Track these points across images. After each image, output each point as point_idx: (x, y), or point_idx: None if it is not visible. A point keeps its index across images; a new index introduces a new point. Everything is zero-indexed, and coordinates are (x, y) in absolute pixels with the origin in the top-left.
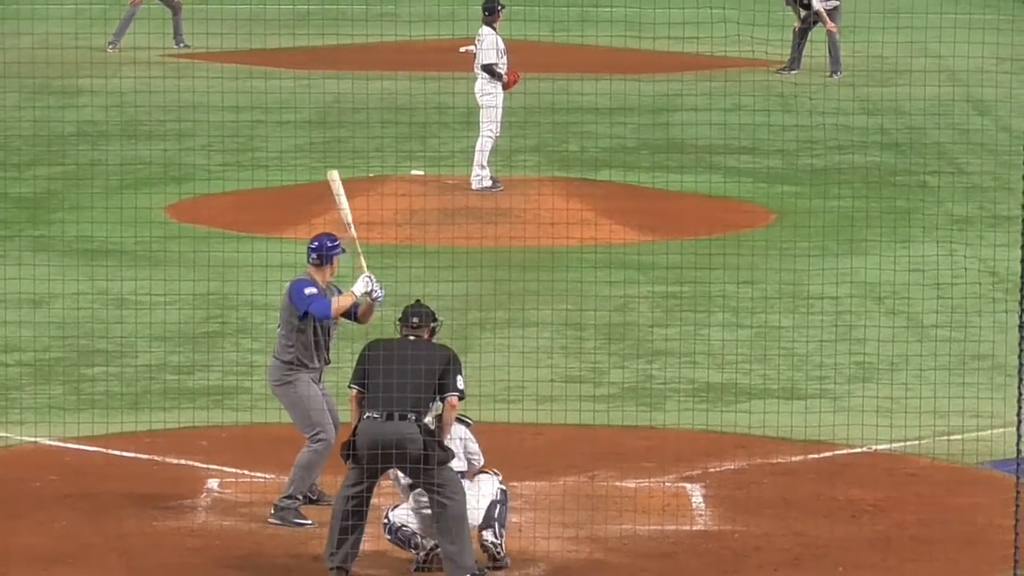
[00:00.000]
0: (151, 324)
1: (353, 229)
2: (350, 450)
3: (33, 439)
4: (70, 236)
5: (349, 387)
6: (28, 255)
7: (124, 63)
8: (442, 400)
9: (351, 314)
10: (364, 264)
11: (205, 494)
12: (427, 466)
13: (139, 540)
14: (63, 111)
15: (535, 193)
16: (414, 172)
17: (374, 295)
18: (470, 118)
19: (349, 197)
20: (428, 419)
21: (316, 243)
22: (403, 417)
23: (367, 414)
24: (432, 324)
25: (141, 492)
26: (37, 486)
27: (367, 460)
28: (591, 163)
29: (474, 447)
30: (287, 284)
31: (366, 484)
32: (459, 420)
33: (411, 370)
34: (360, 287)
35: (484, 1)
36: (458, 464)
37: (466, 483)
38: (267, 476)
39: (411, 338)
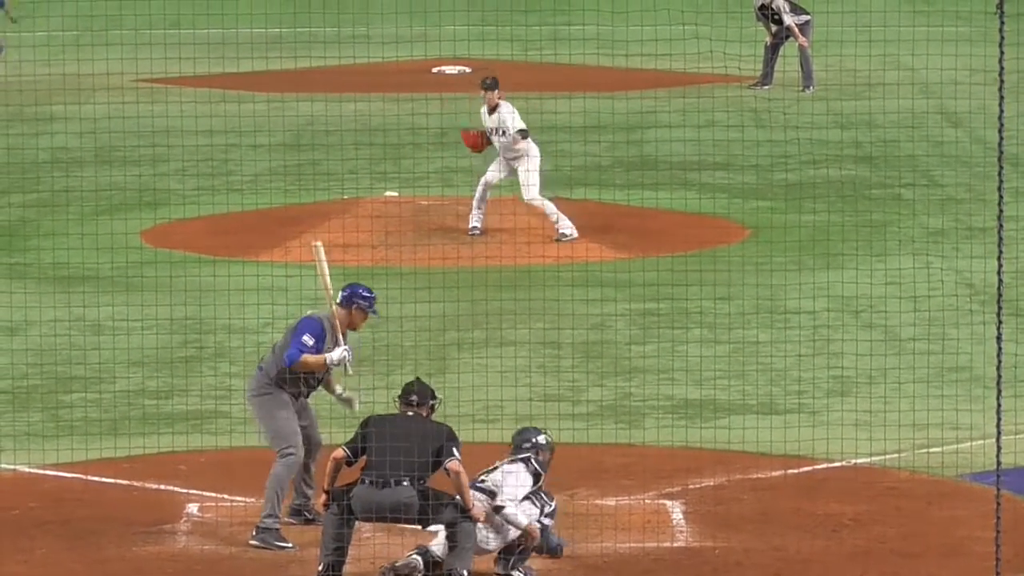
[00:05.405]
0: (128, 349)
1: (333, 304)
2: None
3: (12, 467)
4: (46, 263)
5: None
6: (3, 283)
7: (97, 89)
8: (445, 470)
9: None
10: (342, 339)
11: (185, 519)
12: (426, 516)
13: (119, 566)
14: (36, 138)
15: (510, 213)
16: (388, 194)
17: (345, 369)
18: (443, 139)
19: (324, 219)
20: (427, 483)
21: (349, 289)
22: (398, 483)
23: (362, 478)
24: (431, 402)
25: (120, 518)
26: (16, 514)
27: (362, 517)
28: (565, 181)
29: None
30: (303, 316)
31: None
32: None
33: (407, 439)
34: (336, 356)
35: (488, 78)
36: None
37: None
38: (247, 500)
39: (410, 413)
